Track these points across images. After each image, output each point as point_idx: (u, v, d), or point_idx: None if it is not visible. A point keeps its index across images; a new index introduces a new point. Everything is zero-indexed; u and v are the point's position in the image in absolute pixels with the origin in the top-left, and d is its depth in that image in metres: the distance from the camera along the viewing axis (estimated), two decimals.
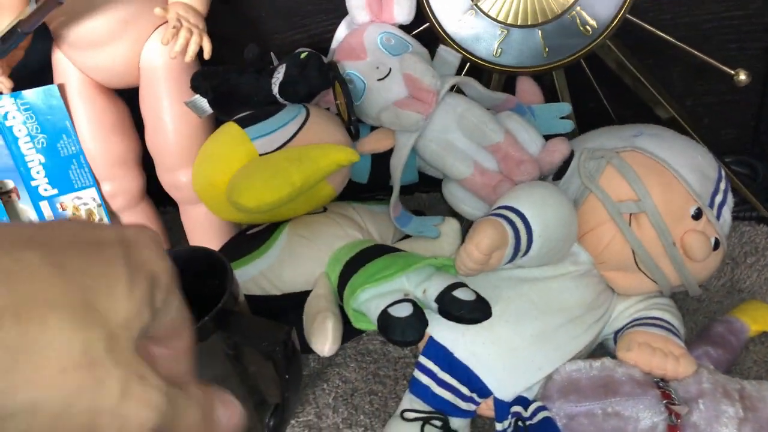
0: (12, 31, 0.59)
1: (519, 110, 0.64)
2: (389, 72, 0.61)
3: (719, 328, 0.62)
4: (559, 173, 0.63)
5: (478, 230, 0.51)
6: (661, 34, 0.69)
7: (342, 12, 0.77)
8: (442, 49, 0.66)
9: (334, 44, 0.69)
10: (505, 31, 0.65)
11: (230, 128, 0.61)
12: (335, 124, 0.62)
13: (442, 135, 0.60)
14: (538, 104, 0.66)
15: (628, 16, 0.66)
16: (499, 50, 0.66)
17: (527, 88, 0.67)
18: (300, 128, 0.60)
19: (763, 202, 0.81)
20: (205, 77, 0.61)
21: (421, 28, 0.69)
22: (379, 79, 0.61)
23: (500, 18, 0.65)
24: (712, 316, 0.68)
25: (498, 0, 0.65)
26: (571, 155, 0.62)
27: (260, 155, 0.59)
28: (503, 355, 0.55)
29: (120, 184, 0.69)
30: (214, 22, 0.75)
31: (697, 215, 0.58)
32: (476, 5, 0.65)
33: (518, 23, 0.65)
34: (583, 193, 0.59)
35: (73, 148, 0.67)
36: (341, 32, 0.69)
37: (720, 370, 0.57)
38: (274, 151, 0.59)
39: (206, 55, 0.62)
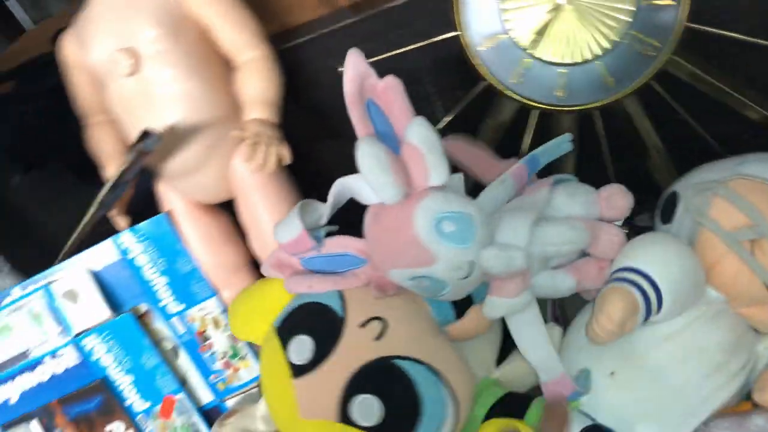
0: (119, 180, 0.66)
1: (531, 168, 0.57)
2: (472, 268, 0.50)
3: None
4: (668, 216, 0.61)
5: (607, 301, 0.52)
6: (728, 33, 0.65)
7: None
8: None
9: (329, 210, 0.57)
10: (565, 72, 0.65)
11: None
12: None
13: (545, 278, 0.56)
14: (535, 152, 0.58)
15: (688, 24, 0.63)
16: (566, 92, 0.65)
17: (459, 146, 0.62)
18: None
19: None
20: None
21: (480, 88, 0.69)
22: (462, 278, 0.51)
23: (556, 60, 0.65)
24: None
25: (549, 43, 0.65)
26: (675, 197, 0.60)
27: None
28: (649, 415, 0.54)
29: (238, 288, 0.75)
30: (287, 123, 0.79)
31: None
32: (529, 53, 0.65)
33: (575, 61, 0.64)
34: (695, 230, 0.57)
35: (190, 265, 0.73)
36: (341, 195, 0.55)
37: None
38: None
39: (285, 161, 0.67)
